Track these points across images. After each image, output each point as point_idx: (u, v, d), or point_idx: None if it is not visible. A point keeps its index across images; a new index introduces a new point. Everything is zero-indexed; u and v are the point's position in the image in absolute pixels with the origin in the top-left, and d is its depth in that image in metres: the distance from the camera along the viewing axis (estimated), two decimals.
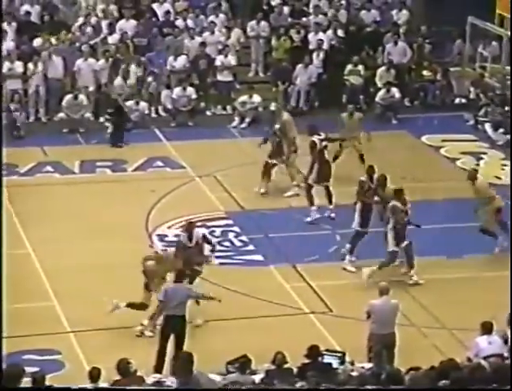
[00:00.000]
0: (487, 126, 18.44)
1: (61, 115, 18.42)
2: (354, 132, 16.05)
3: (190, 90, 18.95)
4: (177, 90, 18.99)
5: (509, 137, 17.94)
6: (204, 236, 12.23)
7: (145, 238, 14.06)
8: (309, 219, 14.39)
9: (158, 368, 10.39)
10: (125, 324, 11.59)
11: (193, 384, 8.67)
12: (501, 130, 18.21)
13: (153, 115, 19.10)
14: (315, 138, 14.64)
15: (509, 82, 19.38)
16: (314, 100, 19.76)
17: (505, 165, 17.03)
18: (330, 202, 14.63)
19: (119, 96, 18.25)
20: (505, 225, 13.58)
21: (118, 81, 18.59)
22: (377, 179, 13.30)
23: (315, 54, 20.10)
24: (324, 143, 14.64)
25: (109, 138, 17.63)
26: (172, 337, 10.61)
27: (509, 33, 19.84)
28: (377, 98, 19.27)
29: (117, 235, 13.80)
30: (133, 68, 18.85)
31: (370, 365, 9.64)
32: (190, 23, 20.58)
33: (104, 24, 20.04)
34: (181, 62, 19.58)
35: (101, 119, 18.63)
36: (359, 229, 13.18)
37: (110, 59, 18.91)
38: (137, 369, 8.89)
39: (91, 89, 18.86)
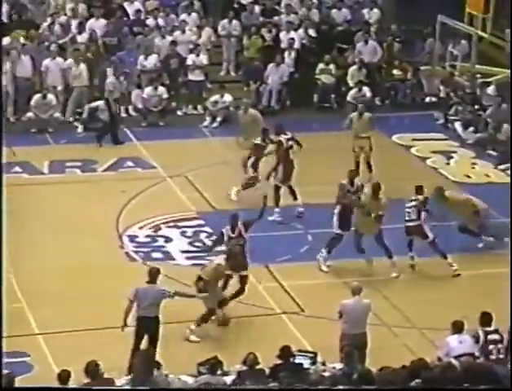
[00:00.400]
0: (457, 125, 18.58)
1: (30, 114, 18.28)
2: (363, 133, 15.94)
3: (161, 90, 18.90)
4: (148, 90, 18.93)
5: (478, 135, 18.12)
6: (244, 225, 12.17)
7: (115, 239, 14.01)
8: (272, 218, 14.40)
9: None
10: (95, 326, 11.54)
11: (150, 385, 8.65)
12: (471, 129, 18.36)
13: (124, 115, 19.02)
14: (282, 138, 14.68)
15: (478, 81, 19.57)
16: (285, 99, 19.81)
17: (475, 164, 17.19)
18: (296, 199, 14.66)
19: (110, 93, 18.10)
20: (483, 227, 13.57)
21: (111, 78, 18.45)
22: (361, 185, 13.43)
23: (286, 53, 20.14)
24: (290, 143, 14.67)
25: (110, 139, 17.41)
26: (146, 337, 10.61)
27: (478, 32, 20.03)
28: (348, 98, 19.35)
29: (87, 236, 13.74)
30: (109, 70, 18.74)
31: (342, 365, 9.69)
32: (161, 22, 20.53)
33: (74, 23, 19.94)
34: (152, 61, 19.53)
35: (70, 119, 18.54)
36: (338, 232, 13.21)
37: (81, 59, 18.80)
38: (104, 371, 8.86)
39: (60, 88, 18.75)
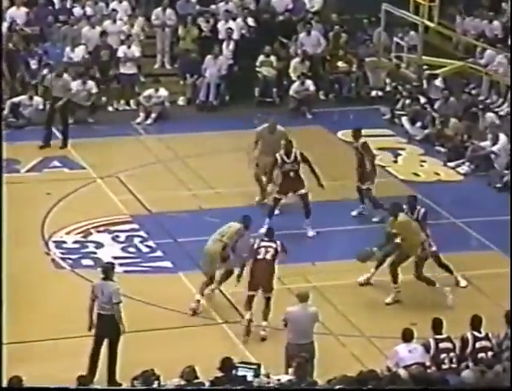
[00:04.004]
0: (405, 120, 18.80)
1: None
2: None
3: (90, 84, 18.71)
4: (75, 84, 18.73)
5: (427, 131, 18.39)
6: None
7: (41, 245, 13.83)
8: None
9: (90, 374, 10.38)
10: (21, 339, 11.36)
11: None
12: (419, 124, 18.62)
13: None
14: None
15: (425, 73, 19.85)
16: (224, 94, 19.81)
17: (424, 162, 17.44)
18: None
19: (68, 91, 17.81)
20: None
21: (66, 75, 18.16)
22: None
23: (224, 45, 20.15)
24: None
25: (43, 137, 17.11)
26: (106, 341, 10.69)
27: (424, 21, 20.31)
28: (290, 92, 19.45)
29: (10, 242, 13.50)
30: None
31: (287, 377, 9.72)
32: (89, 10, 20.34)
33: None
34: (79, 53, 19.33)
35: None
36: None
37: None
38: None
39: None
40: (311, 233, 14.22)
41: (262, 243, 11.99)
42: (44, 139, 17.27)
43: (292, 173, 14.26)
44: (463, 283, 13.10)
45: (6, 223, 13.72)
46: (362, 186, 14.73)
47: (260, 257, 11.87)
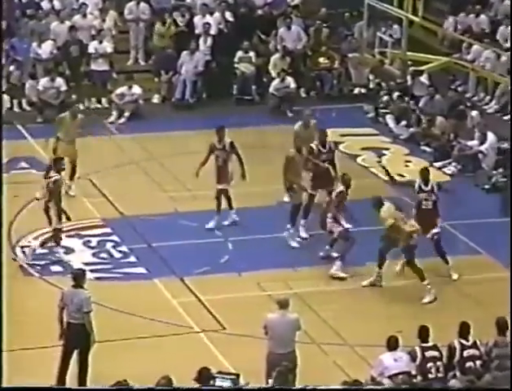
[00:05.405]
0: (389, 119, 18.85)
1: None
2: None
3: (59, 81, 18.63)
4: (44, 81, 18.63)
5: (412, 130, 18.44)
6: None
7: (7, 250, 13.72)
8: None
9: (59, 384, 10.38)
10: None
11: None
12: (403, 123, 18.67)
13: (16, 109, 18.69)
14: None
15: (409, 69, 19.91)
16: (201, 91, 19.78)
17: (409, 162, 17.48)
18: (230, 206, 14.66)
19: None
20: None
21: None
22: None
23: (201, 40, 20.12)
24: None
25: None
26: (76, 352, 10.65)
27: (409, 15, 20.36)
28: (270, 89, 19.45)
29: None
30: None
31: (268, 387, 9.70)
32: (57, 4, 20.25)
33: None
34: (47, 49, 19.23)
35: None
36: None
37: None
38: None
39: None
40: (303, 234, 14.19)
41: None
42: None
43: (326, 164, 14.45)
44: (455, 276, 13.25)
45: None
46: (218, 186, 14.39)
47: None
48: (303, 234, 14.24)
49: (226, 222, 14.53)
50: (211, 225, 14.46)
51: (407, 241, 12.80)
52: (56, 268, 13.53)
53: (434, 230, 13.25)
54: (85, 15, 19.93)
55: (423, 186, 13.53)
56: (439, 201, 13.48)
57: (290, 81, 19.46)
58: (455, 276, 13.32)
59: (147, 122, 18.65)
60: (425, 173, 13.71)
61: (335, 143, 14.60)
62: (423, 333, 10.25)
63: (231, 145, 14.42)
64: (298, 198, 14.22)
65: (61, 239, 13.80)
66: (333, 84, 20.29)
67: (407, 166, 17.27)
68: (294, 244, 14.00)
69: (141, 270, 13.56)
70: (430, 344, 10.21)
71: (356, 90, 20.38)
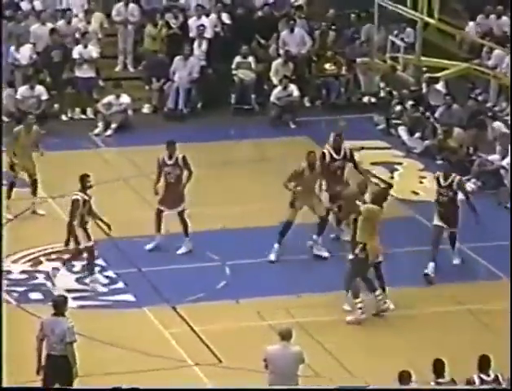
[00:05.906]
0: (402, 130, 18.95)
1: None
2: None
3: (39, 89, 18.76)
4: (22, 89, 18.76)
5: (427, 143, 18.50)
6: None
7: None
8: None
9: None
10: None
11: None
12: (417, 135, 18.76)
13: None
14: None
15: (424, 76, 19.99)
16: (196, 100, 19.90)
17: (424, 178, 17.53)
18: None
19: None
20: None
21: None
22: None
23: (196, 44, 20.26)
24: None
25: None
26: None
27: (424, 17, 20.44)
28: (272, 98, 19.56)
29: None
30: None
31: None
32: (38, 5, 20.39)
33: None
34: (26, 53, 19.35)
35: None
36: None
37: None
38: None
39: None
40: (325, 254, 14.13)
41: None
42: None
43: (339, 172, 13.96)
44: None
45: None
46: (175, 208, 14.28)
47: None
48: (324, 253, 14.10)
49: (180, 251, 14.37)
50: (150, 246, 14.34)
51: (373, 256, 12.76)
52: (35, 295, 13.56)
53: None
54: (69, 22, 19.99)
55: (442, 181, 13.88)
56: (457, 197, 13.95)
57: (293, 89, 19.57)
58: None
59: (136, 134, 18.75)
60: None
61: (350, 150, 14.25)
62: (438, 367, 10.27)
63: (183, 160, 14.25)
64: (321, 212, 13.89)
65: (95, 258, 13.75)
66: (341, 92, 20.42)
67: (421, 183, 17.34)
68: (325, 254, 13.97)
69: (129, 297, 13.60)
70: (447, 379, 10.22)
71: (366, 99, 20.52)
